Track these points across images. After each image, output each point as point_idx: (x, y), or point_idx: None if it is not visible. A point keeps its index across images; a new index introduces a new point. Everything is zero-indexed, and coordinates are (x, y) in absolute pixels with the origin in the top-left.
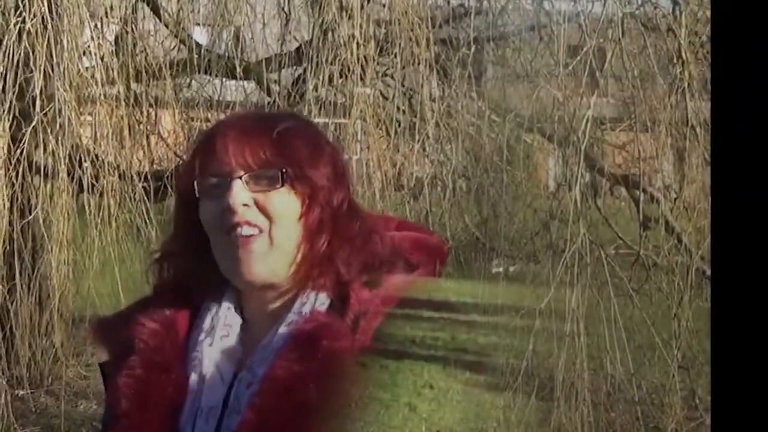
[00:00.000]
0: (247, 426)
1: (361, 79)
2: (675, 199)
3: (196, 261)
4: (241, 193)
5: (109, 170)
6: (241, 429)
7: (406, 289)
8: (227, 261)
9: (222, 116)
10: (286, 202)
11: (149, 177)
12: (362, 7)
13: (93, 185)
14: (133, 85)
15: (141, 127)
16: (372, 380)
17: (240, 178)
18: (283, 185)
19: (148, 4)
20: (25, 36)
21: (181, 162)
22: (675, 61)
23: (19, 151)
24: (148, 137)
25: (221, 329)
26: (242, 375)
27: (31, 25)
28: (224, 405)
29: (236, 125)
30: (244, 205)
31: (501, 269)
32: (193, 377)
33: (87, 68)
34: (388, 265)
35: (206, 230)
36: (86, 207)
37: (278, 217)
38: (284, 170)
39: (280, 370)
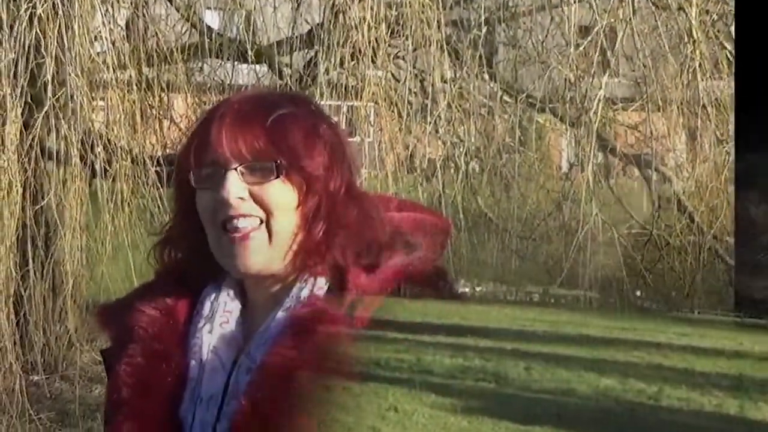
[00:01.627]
0: (243, 413)
1: (373, 61)
2: (687, 178)
3: (196, 246)
4: (235, 185)
5: (121, 155)
6: (236, 417)
7: (404, 272)
8: (223, 252)
9: None
10: (282, 193)
11: (162, 161)
12: None
13: (106, 170)
14: (145, 70)
15: (153, 111)
16: (335, 403)
17: (235, 169)
18: (278, 177)
19: None
20: (36, 22)
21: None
22: (686, 40)
23: (31, 136)
24: (160, 122)
25: (221, 316)
26: (242, 361)
27: (42, 11)
28: (225, 392)
29: (232, 111)
30: (240, 198)
31: (468, 289)
32: (193, 364)
33: (98, 53)
34: (387, 248)
35: (202, 219)
36: (99, 192)
37: (275, 208)
38: (279, 162)
39: (276, 356)
